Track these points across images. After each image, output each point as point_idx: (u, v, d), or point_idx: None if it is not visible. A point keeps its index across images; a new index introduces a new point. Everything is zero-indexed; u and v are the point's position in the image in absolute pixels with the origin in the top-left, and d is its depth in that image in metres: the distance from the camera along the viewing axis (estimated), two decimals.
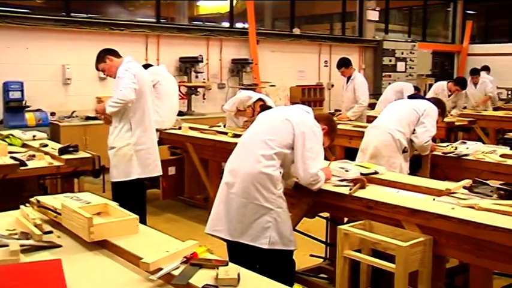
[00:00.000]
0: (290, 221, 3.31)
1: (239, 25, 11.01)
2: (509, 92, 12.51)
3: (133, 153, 4.76)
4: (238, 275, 1.98)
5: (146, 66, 6.57)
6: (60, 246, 2.33)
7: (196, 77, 9.56)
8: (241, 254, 3.21)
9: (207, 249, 2.24)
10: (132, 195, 4.71)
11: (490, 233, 2.60)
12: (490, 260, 2.65)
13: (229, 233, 3.25)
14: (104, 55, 4.84)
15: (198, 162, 5.82)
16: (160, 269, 2.01)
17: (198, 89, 9.54)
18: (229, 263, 2.09)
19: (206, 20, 11.51)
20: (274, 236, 3.18)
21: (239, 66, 10.20)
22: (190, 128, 6.23)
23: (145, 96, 4.83)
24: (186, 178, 6.20)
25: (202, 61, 9.39)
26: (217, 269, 2.02)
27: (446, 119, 7.07)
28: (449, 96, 8.69)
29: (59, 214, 2.53)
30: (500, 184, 3.29)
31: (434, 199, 3.13)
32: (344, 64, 7.74)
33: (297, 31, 11.42)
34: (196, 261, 2.10)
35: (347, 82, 7.77)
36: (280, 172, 3.23)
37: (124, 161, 4.76)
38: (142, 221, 2.60)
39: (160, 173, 5.15)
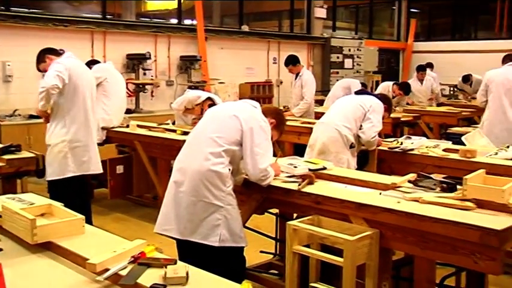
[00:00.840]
0: (240, 218, 3.31)
1: (187, 22, 10.91)
2: (452, 89, 12.91)
3: (68, 150, 4.66)
4: (187, 273, 1.97)
5: (93, 62, 6.44)
6: (0, 249, 2.26)
7: (144, 74, 9.42)
8: (191, 252, 3.19)
9: (156, 248, 2.21)
10: (72, 194, 4.56)
11: (433, 225, 2.68)
12: (434, 251, 2.73)
13: (179, 232, 3.23)
14: (43, 55, 4.73)
15: (146, 161, 5.74)
16: (107, 270, 1.97)
17: (146, 87, 9.40)
18: (178, 262, 2.08)
19: (154, 17, 11.36)
20: (225, 233, 3.18)
21: (188, 63, 10.11)
22: (139, 126, 6.14)
23: (82, 92, 4.71)
24: (134, 177, 6.11)
25: (150, 58, 9.26)
26: (166, 267, 2.00)
27: (392, 115, 7.25)
28: (393, 97, 8.86)
29: (0, 216, 2.44)
30: (443, 177, 3.39)
31: (380, 193, 3.19)
32: (291, 62, 7.80)
33: (245, 28, 11.43)
34: (144, 261, 2.08)
35: (295, 79, 7.85)
36: (229, 169, 3.23)
37: (59, 159, 4.65)
38: (88, 221, 2.55)
39: (100, 171, 5.02)
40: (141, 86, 9.26)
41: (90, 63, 6.23)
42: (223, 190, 3.19)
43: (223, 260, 3.21)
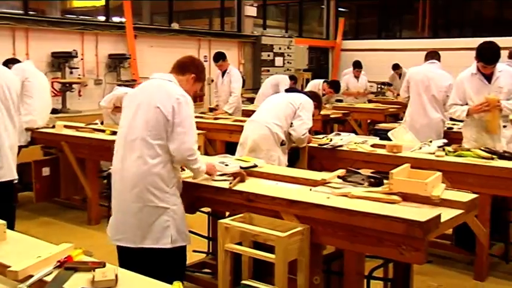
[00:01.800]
0: (184, 215, 3.31)
1: (116, 19, 10.67)
2: (379, 86, 13.30)
3: None
4: (116, 276, 1.92)
5: (12, 61, 6.17)
6: None
7: (71, 72, 9.12)
8: (136, 258, 3.18)
9: (84, 251, 2.15)
10: None
11: (362, 219, 2.74)
12: (362, 244, 2.79)
13: (131, 240, 3.19)
14: None
15: (74, 162, 5.57)
16: (31, 277, 1.89)
17: (73, 86, 9.11)
18: (107, 264, 2.02)
19: (80, 14, 11.04)
20: (174, 233, 3.19)
21: (116, 62, 9.89)
22: (65, 127, 5.95)
23: None
24: (61, 179, 5.91)
25: (76, 56, 8.98)
26: (94, 271, 1.95)
27: (322, 112, 7.38)
28: (323, 95, 9.01)
29: None
30: (371, 172, 3.48)
31: (310, 189, 3.24)
32: (222, 57, 7.84)
33: (175, 26, 11.31)
34: (70, 265, 2.01)
35: (222, 76, 7.87)
36: (171, 164, 3.19)
37: None
38: (10, 226, 2.44)
39: (14, 177, 4.41)
40: (67, 85, 8.97)
41: (9, 62, 5.97)
42: (167, 191, 3.17)
43: (170, 260, 3.22)
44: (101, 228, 5.49)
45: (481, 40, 4.91)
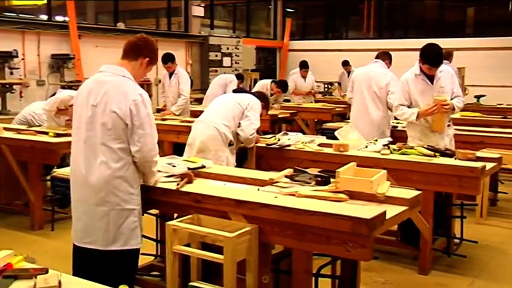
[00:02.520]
0: None
1: (59, 18, 10.41)
2: (326, 86, 13.48)
3: None
4: (60, 282, 1.87)
5: None
6: None
7: (11, 73, 8.83)
8: (94, 259, 3.13)
9: (25, 258, 2.08)
10: None
11: (309, 217, 2.76)
12: (310, 243, 2.82)
13: (100, 244, 3.11)
14: None
15: (15, 166, 5.39)
16: None
17: (14, 86, 8.83)
18: (50, 270, 1.96)
19: (21, 12, 10.69)
20: (140, 233, 3.19)
21: (60, 62, 9.64)
22: (5, 129, 5.74)
23: None
24: (1, 183, 5.72)
25: (17, 56, 8.71)
26: (36, 278, 1.88)
27: (270, 112, 7.41)
28: (271, 95, 9.03)
29: None
30: (319, 171, 3.51)
31: (258, 189, 3.24)
32: (170, 58, 7.75)
33: (121, 26, 11.12)
34: (10, 273, 1.94)
35: (170, 77, 7.80)
36: (133, 167, 3.13)
37: None
38: None
39: None
40: (7, 86, 8.68)
41: None
42: (132, 193, 3.13)
43: (126, 261, 3.18)
44: (45, 233, 5.36)
45: (424, 41, 5.03)
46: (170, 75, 7.80)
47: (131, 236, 3.15)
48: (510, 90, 10.97)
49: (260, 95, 5.05)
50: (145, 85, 11.17)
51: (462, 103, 5.00)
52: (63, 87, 8.72)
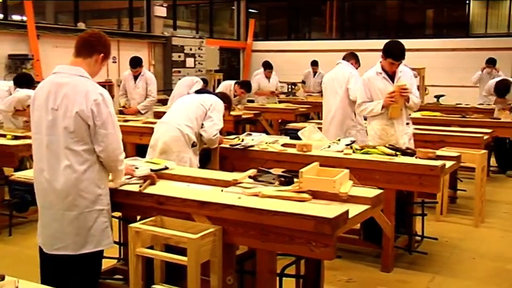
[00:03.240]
0: None
1: (16, 17, 10.17)
2: (290, 86, 13.56)
3: None
4: None
5: None
6: None
7: None
8: (59, 265, 3.07)
9: None
10: None
11: (272, 217, 2.77)
12: (274, 243, 2.82)
13: (71, 248, 3.04)
14: None
15: None
16: None
17: None
18: (6, 277, 1.91)
19: None
20: (111, 233, 3.16)
21: (18, 63, 9.42)
22: None
23: None
24: None
25: None
26: None
27: (234, 113, 7.41)
28: (235, 96, 9.00)
29: None
30: (282, 171, 3.53)
31: (222, 190, 3.23)
32: (140, 63, 7.81)
33: (82, 26, 10.92)
34: None
35: (136, 80, 7.75)
36: (99, 167, 3.07)
37: None
38: None
39: None
40: None
41: None
42: (100, 193, 3.08)
43: (93, 264, 3.15)
44: (2, 239, 5.20)
45: (386, 42, 5.11)
46: (136, 77, 7.75)
47: (102, 237, 3.10)
48: (468, 90, 11.23)
49: (222, 96, 5.04)
50: (107, 86, 11.03)
51: (418, 101, 5.10)
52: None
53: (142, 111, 7.55)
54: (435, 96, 10.45)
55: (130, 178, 3.41)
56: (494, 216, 5.83)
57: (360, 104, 5.19)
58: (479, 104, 9.46)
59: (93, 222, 3.07)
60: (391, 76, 4.99)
